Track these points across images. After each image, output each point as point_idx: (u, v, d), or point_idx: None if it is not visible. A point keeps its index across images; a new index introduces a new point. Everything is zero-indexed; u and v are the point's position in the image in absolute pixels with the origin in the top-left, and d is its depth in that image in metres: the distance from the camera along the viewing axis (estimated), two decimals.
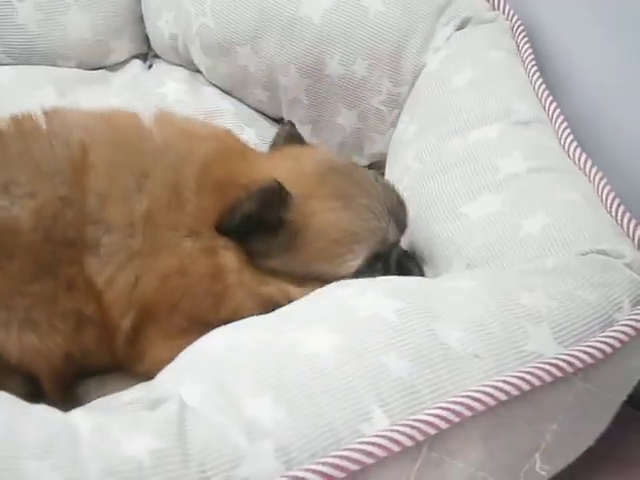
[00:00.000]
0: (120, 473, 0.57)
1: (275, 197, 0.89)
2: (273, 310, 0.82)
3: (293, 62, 1.28)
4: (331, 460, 0.62)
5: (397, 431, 0.65)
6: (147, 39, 1.50)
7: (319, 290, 0.82)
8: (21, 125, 0.93)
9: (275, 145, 1.08)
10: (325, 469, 0.61)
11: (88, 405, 0.87)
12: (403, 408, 0.67)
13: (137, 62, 1.48)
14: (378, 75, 1.26)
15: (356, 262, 0.92)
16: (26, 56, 1.40)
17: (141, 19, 1.48)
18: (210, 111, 1.34)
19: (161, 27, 1.42)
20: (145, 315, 0.92)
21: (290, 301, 0.87)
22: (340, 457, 0.62)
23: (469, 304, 0.76)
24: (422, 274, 1.02)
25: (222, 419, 0.63)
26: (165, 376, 0.74)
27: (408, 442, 0.65)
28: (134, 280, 0.91)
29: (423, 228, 1.06)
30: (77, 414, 0.64)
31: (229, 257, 0.91)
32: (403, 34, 1.24)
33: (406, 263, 1.00)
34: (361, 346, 0.70)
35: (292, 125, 1.11)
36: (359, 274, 0.91)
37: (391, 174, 1.23)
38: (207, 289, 0.92)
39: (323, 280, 0.88)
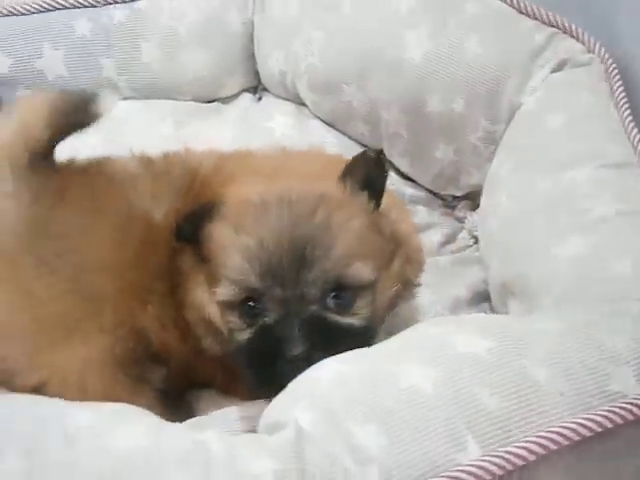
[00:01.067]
0: None
1: (198, 218, 0.94)
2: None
3: (396, 100, 1.37)
4: None
5: (489, 461, 0.72)
6: (257, 74, 1.61)
7: (416, 326, 0.90)
8: (168, 157, 1.08)
9: None
10: None
11: (207, 416, 0.97)
12: (494, 440, 0.74)
13: (247, 95, 1.61)
14: (476, 113, 1.33)
15: (221, 292, 0.92)
16: (148, 92, 1.53)
17: (252, 56, 1.60)
18: (315, 144, 1.43)
19: (271, 65, 1.54)
20: None
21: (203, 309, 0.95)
22: None
23: (556, 344, 0.83)
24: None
25: (333, 444, 0.72)
26: (281, 401, 0.83)
27: (499, 472, 0.73)
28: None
29: (514, 264, 1.13)
30: (208, 433, 0.74)
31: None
32: (501, 75, 1.30)
33: (288, 330, 0.88)
34: (457, 381, 0.78)
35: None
36: (228, 307, 0.93)
37: (486, 208, 1.30)
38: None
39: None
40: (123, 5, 1.51)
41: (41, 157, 0.95)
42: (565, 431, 0.75)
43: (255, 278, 0.89)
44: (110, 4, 1.52)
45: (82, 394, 0.90)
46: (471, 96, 1.32)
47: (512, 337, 0.84)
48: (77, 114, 0.97)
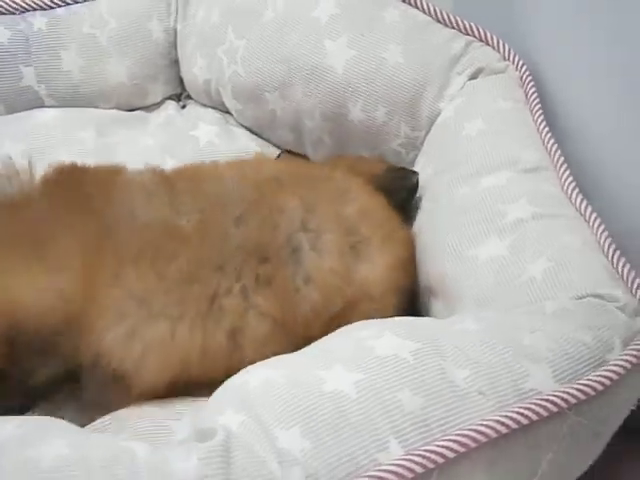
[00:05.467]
0: None
1: None
2: None
3: (318, 108, 1.38)
4: None
5: (410, 460, 0.74)
6: (181, 81, 1.61)
7: (343, 329, 0.92)
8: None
9: None
10: None
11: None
12: (416, 439, 0.77)
13: (172, 103, 1.58)
14: (397, 121, 1.35)
15: None
16: (69, 100, 1.51)
17: (176, 62, 1.59)
18: (240, 152, 1.44)
19: (195, 73, 1.53)
20: None
21: None
22: None
23: (476, 345, 0.86)
24: None
25: (259, 447, 0.73)
26: (210, 407, 0.84)
27: (420, 469, 0.75)
28: None
29: (435, 266, 1.16)
30: (134, 442, 0.74)
31: None
32: (420, 83, 1.33)
33: None
34: (380, 384, 0.80)
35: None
36: None
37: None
38: None
39: None
40: (42, 13, 1.49)
41: None
42: (483, 429, 0.78)
43: None
44: (28, 11, 1.49)
45: None
46: (392, 104, 1.34)
47: (435, 339, 0.86)
48: None
